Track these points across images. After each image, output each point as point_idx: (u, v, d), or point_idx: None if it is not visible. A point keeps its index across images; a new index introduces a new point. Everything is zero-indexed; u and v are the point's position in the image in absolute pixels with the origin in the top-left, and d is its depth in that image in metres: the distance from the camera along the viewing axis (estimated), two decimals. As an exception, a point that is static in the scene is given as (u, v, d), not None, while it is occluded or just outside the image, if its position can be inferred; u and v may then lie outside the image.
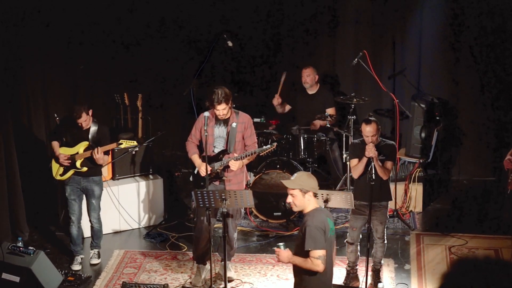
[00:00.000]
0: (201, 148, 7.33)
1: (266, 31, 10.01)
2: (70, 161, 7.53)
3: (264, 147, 7.15)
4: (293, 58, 10.01)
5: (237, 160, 7.08)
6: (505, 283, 3.11)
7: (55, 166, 7.66)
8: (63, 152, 7.58)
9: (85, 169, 7.56)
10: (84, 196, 7.72)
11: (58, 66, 9.03)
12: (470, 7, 9.42)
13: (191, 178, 7.38)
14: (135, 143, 7.68)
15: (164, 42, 9.91)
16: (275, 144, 7.33)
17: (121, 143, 7.56)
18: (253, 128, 7.29)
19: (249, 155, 7.13)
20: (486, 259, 3.18)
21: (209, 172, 7.06)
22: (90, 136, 7.55)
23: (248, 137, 7.21)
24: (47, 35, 8.71)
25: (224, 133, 7.16)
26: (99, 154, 7.42)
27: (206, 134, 6.97)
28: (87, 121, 7.46)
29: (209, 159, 7.11)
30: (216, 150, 7.17)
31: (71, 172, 7.58)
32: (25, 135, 8.66)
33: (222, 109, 7.03)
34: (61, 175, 7.64)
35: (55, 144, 7.67)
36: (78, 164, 7.54)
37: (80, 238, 7.83)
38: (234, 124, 7.14)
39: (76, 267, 7.69)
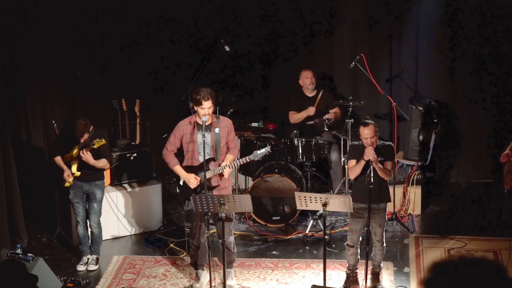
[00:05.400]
0: (177, 156, 7.24)
1: (264, 34, 10.02)
2: (70, 182, 7.53)
3: (258, 152, 7.09)
4: (290, 62, 10.03)
5: (230, 167, 7.06)
6: (482, 284, 3.10)
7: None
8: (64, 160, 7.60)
9: (78, 173, 7.51)
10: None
11: (56, 73, 9.04)
12: (467, 8, 9.43)
13: (177, 190, 7.31)
14: (103, 141, 7.54)
15: (161, 47, 9.91)
16: (269, 147, 7.22)
17: (94, 144, 7.47)
18: (234, 131, 7.22)
19: (242, 163, 7.09)
20: (462, 259, 3.16)
21: (198, 184, 7.03)
22: (82, 140, 7.50)
23: (231, 141, 7.16)
24: (44, 42, 8.73)
25: (209, 139, 7.02)
26: (85, 154, 7.38)
27: (204, 139, 6.94)
28: (86, 136, 7.46)
29: (194, 169, 7.08)
30: (201, 158, 7.06)
31: (71, 178, 7.59)
32: (24, 142, 8.66)
33: (208, 107, 6.91)
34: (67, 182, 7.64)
35: (58, 160, 7.61)
36: (73, 169, 7.53)
37: (87, 238, 7.82)
38: (217, 130, 7.05)
39: (80, 267, 7.70)
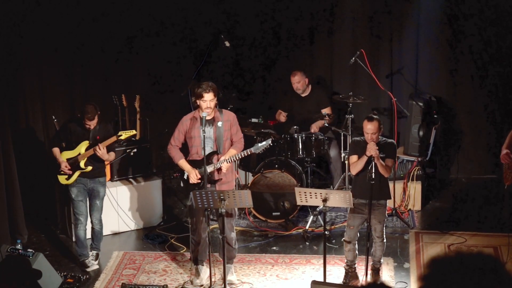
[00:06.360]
0: (183, 151, 7.26)
1: (264, 31, 10.01)
2: (71, 171, 7.50)
3: (259, 144, 7.10)
4: (291, 57, 10.02)
5: (230, 162, 7.06)
6: (481, 280, 3.09)
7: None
8: (66, 156, 7.55)
9: (89, 168, 7.52)
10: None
11: (56, 69, 9.03)
12: (467, 4, 9.42)
13: (181, 184, 7.32)
14: (134, 132, 7.63)
15: (162, 43, 9.90)
16: (270, 140, 7.25)
17: (120, 135, 7.51)
18: (238, 125, 7.24)
19: (244, 155, 7.11)
20: (461, 255, 3.14)
21: (199, 179, 7.03)
22: (91, 135, 7.52)
23: (235, 134, 7.17)
24: (44, 37, 8.71)
25: (211, 133, 7.06)
26: (102, 150, 7.41)
27: (203, 134, 6.94)
28: (94, 122, 7.45)
29: (199, 163, 7.07)
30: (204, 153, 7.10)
31: (77, 174, 7.54)
32: (24, 137, 8.66)
33: (209, 100, 6.93)
34: (67, 179, 7.59)
35: (56, 150, 7.61)
36: (82, 164, 7.51)
37: (86, 241, 7.79)
38: (220, 123, 7.07)
39: (94, 266, 7.66)
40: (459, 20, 9.49)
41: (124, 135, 7.53)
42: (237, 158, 7.18)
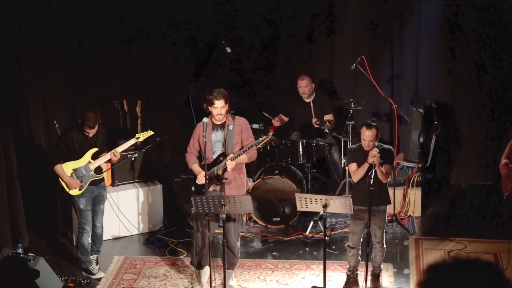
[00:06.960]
0: (201, 158, 7.32)
1: (264, 36, 10.03)
2: (81, 184, 7.47)
3: (260, 139, 7.12)
4: (291, 63, 10.04)
5: (233, 159, 7.08)
6: (480, 286, 3.12)
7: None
8: (71, 166, 7.48)
9: (103, 174, 7.54)
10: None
11: (57, 72, 9.04)
12: (467, 10, 9.44)
13: (192, 188, 7.36)
14: (151, 132, 7.65)
15: (163, 47, 9.91)
16: (270, 133, 7.28)
17: (139, 137, 7.53)
18: (250, 131, 7.28)
19: (245, 150, 7.12)
20: (460, 261, 3.17)
21: (207, 181, 7.06)
22: (96, 141, 7.51)
23: (245, 140, 7.20)
24: (45, 39, 8.73)
25: (222, 136, 7.15)
26: (118, 156, 7.42)
27: (205, 140, 6.98)
28: (94, 131, 7.43)
29: (210, 166, 7.11)
30: (215, 156, 7.17)
31: (88, 182, 7.51)
32: (25, 141, 8.66)
33: (220, 107, 7.01)
34: (80, 189, 7.51)
35: (59, 168, 7.47)
36: (94, 172, 7.51)
37: (89, 249, 7.78)
38: (230, 127, 7.13)
39: (100, 274, 7.65)
40: (459, 24, 9.50)
41: (142, 136, 7.57)
42: (241, 154, 7.16)
